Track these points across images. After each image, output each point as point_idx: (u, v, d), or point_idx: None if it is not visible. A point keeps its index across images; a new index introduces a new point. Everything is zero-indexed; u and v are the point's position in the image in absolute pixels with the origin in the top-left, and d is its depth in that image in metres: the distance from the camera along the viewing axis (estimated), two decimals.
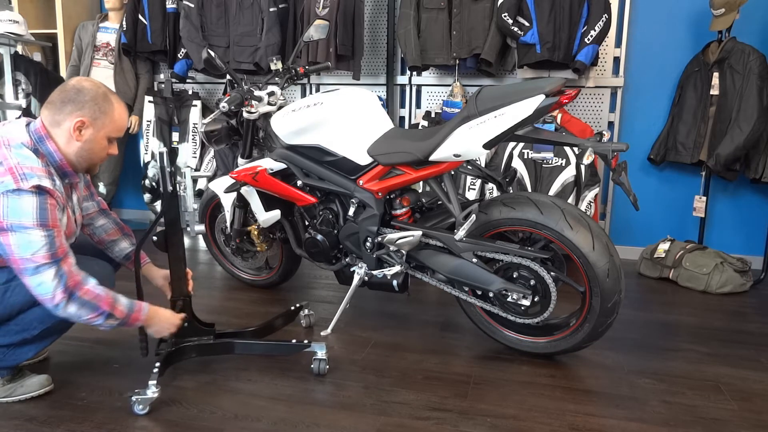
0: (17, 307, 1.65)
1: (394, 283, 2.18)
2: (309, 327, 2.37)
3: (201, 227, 2.26)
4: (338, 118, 2.17)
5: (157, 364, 1.76)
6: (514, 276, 2.01)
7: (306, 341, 1.98)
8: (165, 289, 1.97)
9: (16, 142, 1.55)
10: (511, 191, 2.39)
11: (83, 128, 1.61)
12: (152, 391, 1.69)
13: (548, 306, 1.96)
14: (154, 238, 1.85)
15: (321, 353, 1.95)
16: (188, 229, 3.97)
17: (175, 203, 1.83)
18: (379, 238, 2.16)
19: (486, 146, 1.87)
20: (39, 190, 1.51)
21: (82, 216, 1.83)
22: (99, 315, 1.59)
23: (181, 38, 3.72)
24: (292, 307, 2.30)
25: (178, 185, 1.88)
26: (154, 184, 4.05)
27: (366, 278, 2.25)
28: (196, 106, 3.98)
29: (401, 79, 3.75)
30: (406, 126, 3.82)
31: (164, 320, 1.79)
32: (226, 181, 2.62)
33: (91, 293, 1.58)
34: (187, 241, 3.84)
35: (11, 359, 1.72)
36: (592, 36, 3.03)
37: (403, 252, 2.16)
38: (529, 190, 3.22)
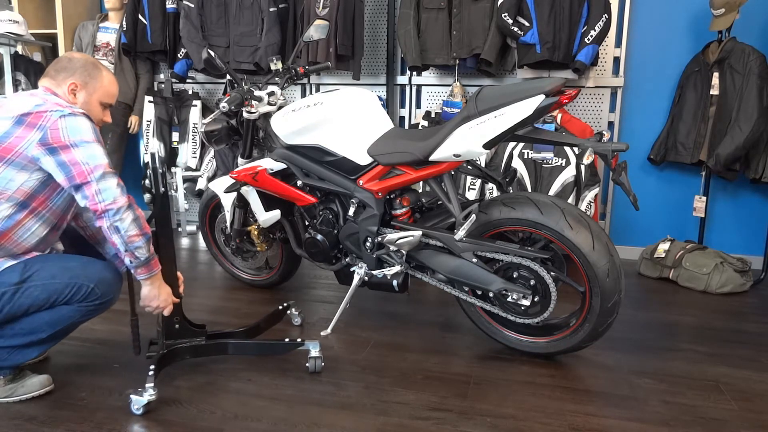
0: (24, 309, 1.66)
1: (394, 283, 2.18)
2: (301, 325, 2.37)
3: (192, 227, 2.25)
4: (338, 118, 2.17)
5: (152, 367, 1.76)
6: (514, 276, 2.01)
7: (299, 339, 1.98)
8: None
9: (36, 95, 1.69)
10: (511, 191, 2.39)
11: (77, 90, 1.76)
12: (149, 394, 1.69)
13: (548, 306, 1.96)
14: None
15: (315, 351, 1.95)
16: (179, 229, 3.99)
17: (165, 204, 1.83)
18: (379, 238, 2.16)
19: (486, 146, 1.87)
20: (89, 117, 1.67)
21: None
22: (142, 235, 1.66)
23: (181, 38, 3.72)
24: (280, 307, 2.30)
25: (169, 186, 1.89)
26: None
27: (366, 278, 2.25)
28: (196, 106, 3.98)
29: (401, 79, 3.75)
30: (406, 126, 3.82)
31: (163, 290, 1.78)
32: (226, 181, 2.62)
33: (140, 212, 1.69)
34: (186, 241, 3.84)
35: (15, 359, 1.72)
36: (592, 36, 3.03)
37: (403, 252, 2.16)
38: (529, 190, 3.22)
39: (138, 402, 1.68)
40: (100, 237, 1.96)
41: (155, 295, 1.76)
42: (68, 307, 1.69)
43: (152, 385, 1.70)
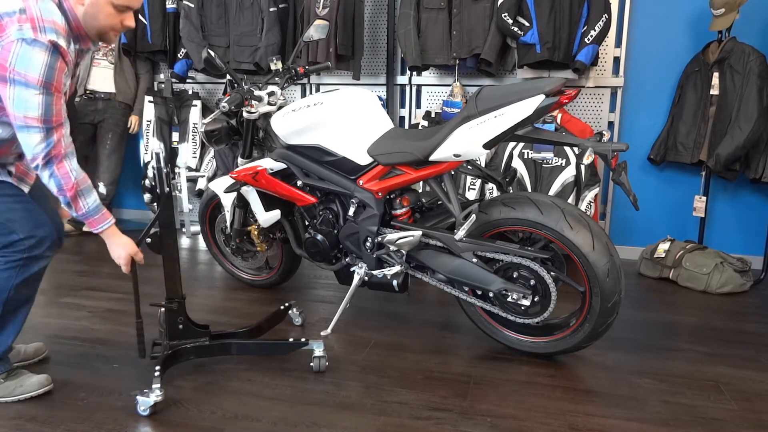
0: None
1: (394, 283, 2.18)
2: (302, 325, 2.37)
3: (197, 228, 2.25)
4: (338, 118, 2.17)
5: (158, 368, 1.75)
6: (514, 276, 2.01)
7: (303, 339, 1.98)
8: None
9: None
10: (511, 191, 2.39)
11: None
12: (156, 395, 1.69)
13: (548, 306, 1.96)
14: (148, 240, 1.83)
15: (319, 350, 1.96)
16: (183, 230, 3.98)
17: (169, 204, 1.83)
18: (379, 238, 2.16)
19: (486, 146, 1.87)
20: (54, 48, 1.52)
21: (74, 88, 1.82)
22: (61, 195, 1.61)
23: (181, 38, 3.72)
24: (281, 307, 2.30)
25: (172, 186, 1.87)
26: (153, 183, 4.05)
27: (366, 278, 2.25)
28: (196, 106, 3.98)
29: (401, 79, 3.74)
30: (406, 126, 3.82)
31: (115, 248, 1.74)
32: (226, 181, 2.62)
33: (64, 171, 1.59)
34: (186, 241, 3.84)
35: None
36: (592, 36, 3.03)
37: (403, 252, 2.16)
38: (529, 190, 3.22)
39: (144, 403, 1.68)
40: None
41: (111, 251, 1.74)
42: None
43: (159, 386, 1.70)
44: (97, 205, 1.68)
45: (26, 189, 1.82)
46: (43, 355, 2.04)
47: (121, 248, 1.74)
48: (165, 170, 1.80)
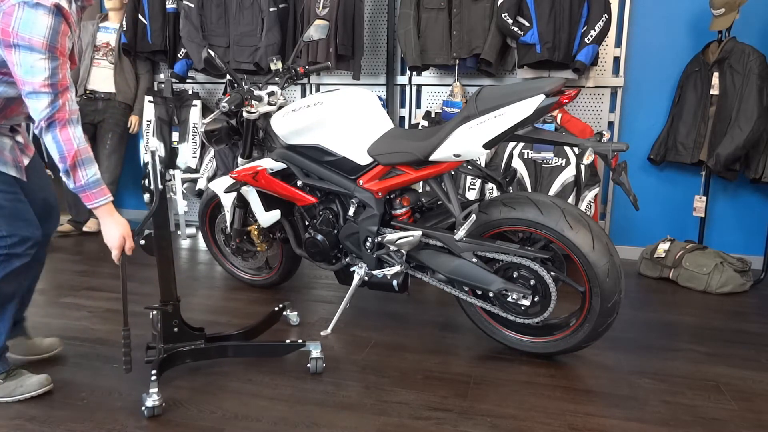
0: None
1: (394, 283, 2.18)
2: (299, 325, 2.37)
3: (192, 230, 2.23)
4: (338, 118, 2.17)
5: (154, 371, 1.74)
6: (514, 276, 2.01)
7: (300, 340, 1.98)
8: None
9: None
10: (511, 191, 2.39)
11: None
12: (153, 400, 1.68)
13: (548, 306, 1.96)
14: (142, 241, 1.81)
15: (316, 352, 1.96)
16: (179, 232, 3.98)
17: (163, 203, 1.81)
18: (379, 238, 2.16)
19: (486, 146, 1.87)
20: (57, 11, 1.50)
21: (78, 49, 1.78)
22: (61, 163, 1.58)
23: (181, 38, 3.72)
24: (276, 308, 2.29)
25: (168, 187, 1.84)
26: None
27: (366, 278, 2.25)
28: (196, 106, 3.98)
29: (401, 79, 3.74)
30: (406, 126, 3.82)
31: (109, 228, 1.67)
32: (226, 181, 2.62)
33: (66, 137, 1.56)
34: (185, 242, 3.84)
35: None
36: (592, 36, 3.03)
37: (403, 252, 2.16)
38: (529, 190, 3.22)
39: (144, 405, 1.68)
40: None
41: (104, 233, 1.68)
42: None
43: (156, 390, 1.69)
44: (96, 179, 1.63)
45: (26, 161, 1.80)
46: (55, 351, 2.02)
47: (115, 228, 1.67)
48: (159, 167, 1.78)
